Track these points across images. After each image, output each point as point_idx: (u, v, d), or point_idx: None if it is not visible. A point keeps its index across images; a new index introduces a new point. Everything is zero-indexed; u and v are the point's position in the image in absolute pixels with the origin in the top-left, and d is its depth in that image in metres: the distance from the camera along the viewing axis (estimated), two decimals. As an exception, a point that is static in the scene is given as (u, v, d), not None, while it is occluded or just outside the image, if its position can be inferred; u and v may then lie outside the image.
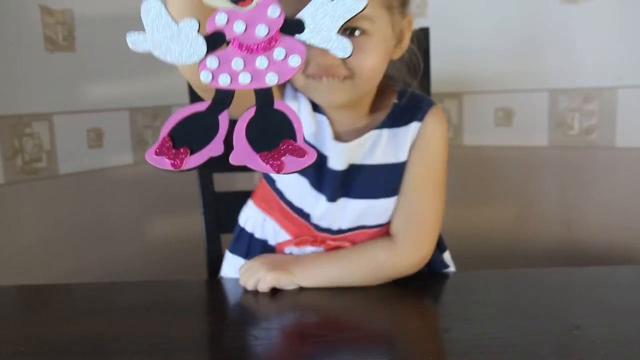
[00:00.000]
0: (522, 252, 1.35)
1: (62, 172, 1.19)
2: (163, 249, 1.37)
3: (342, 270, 0.73)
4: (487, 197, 1.36)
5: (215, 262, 0.90)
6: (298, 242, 0.77)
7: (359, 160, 0.75)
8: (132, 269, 1.31)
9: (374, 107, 0.76)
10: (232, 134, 0.50)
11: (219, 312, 0.72)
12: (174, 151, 0.49)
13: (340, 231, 0.77)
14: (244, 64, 0.48)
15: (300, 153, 0.50)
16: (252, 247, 0.81)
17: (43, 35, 1.14)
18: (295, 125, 0.50)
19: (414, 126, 0.75)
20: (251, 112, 0.50)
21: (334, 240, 0.77)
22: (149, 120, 1.38)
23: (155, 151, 0.49)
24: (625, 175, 1.28)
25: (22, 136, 1.12)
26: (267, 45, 0.48)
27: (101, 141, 1.27)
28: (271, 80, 0.48)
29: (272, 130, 0.50)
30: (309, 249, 0.77)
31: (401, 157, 0.75)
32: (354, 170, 0.74)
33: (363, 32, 0.66)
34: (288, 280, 0.72)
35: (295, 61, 0.48)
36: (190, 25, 0.46)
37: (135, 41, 0.47)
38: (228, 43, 0.48)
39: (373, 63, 0.67)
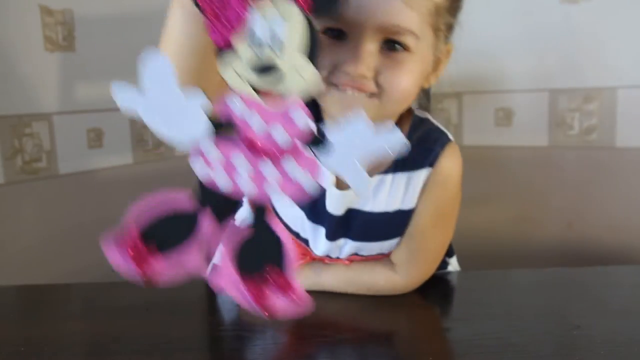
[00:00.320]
0: (522, 252, 1.35)
1: (62, 172, 1.19)
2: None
3: (339, 287, 0.71)
4: (487, 197, 1.36)
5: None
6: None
7: (358, 205, 0.69)
8: (132, 269, 1.31)
9: None
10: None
11: (219, 312, 0.72)
12: (140, 248, 0.42)
13: (338, 257, 0.74)
14: (249, 167, 0.40)
15: (291, 293, 0.41)
16: None
17: (43, 35, 1.14)
18: (288, 256, 0.41)
19: (425, 172, 0.67)
20: (243, 230, 0.42)
21: (332, 260, 0.74)
22: (149, 120, 1.38)
23: (116, 241, 0.41)
24: (625, 175, 1.28)
25: (22, 136, 1.12)
26: (281, 154, 0.40)
27: (101, 141, 1.27)
28: (275, 194, 0.40)
29: (263, 255, 0.42)
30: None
31: (408, 205, 0.69)
32: (353, 214, 0.69)
33: (404, 48, 0.60)
34: None
35: (307, 181, 0.40)
36: (198, 102, 0.39)
37: (124, 97, 0.39)
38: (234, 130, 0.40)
39: (407, 84, 0.61)
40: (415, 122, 0.70)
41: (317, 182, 0.40)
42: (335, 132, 0.40)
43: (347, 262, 0.73)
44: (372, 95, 0.61)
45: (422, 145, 0.68)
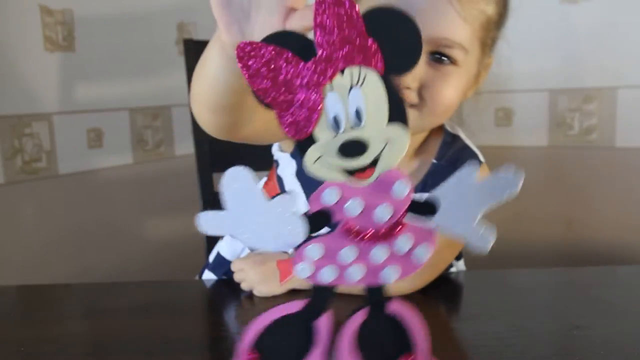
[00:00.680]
0: (522, 252, 1.35)
1: (61, 172, 1.19)
2: (163, 249, 1.37)
3: (343, 288, 0.71)
4: (487, 197, 1.36)
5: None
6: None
7: None
8: (132, 269, 1.31)
9: (416, 154, 0.68)
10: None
11: (219, 312, 0.72)
12: None
13: None
14: (356, 256, 0.36)
15: None
16: None
17: (43, 35, 1.14)
18: (416, 334, 0.39)
19: None
20: (359, 317, 0.38)
21: None
22: (149, 121, 1.38)
23: None
24: (625, 175, 1.28)
25: (22, 136, 1.12)
26: (388, 232, 0.36)
27: (101, 141, 1.27)
28: (390, 276, 0.37)
29: (384, 340, 0.38)
30: None
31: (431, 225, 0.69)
32: None
33: (451, 62, 0.59)
34: (278, 291, 0.67)
35: (423, 254, 0.37)
36: (287, 204, 0.35)
37: (209, 223, 0.36)
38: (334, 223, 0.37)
39: (450, 97, 0.60)
40: (447, 140, 0.68)
41: (430, 249, 0.37)
42: (443, 192, 0.37)
43: None
44: (411, 106, 0.59)
45: (453, 168, 0.67)
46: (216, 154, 1.01)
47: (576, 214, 1.32)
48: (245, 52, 0.33)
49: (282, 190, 0.74)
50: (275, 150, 0.75)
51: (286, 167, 0.73)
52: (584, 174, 1.31)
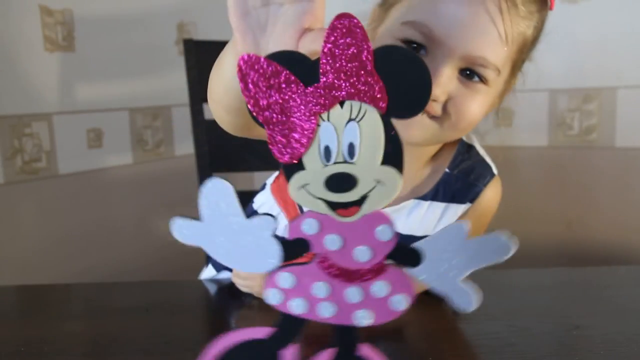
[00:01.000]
0: (522, 252, 1.34)
1: (61, 172, 1.19)
2: (163, 249, 1.37)
3: None
4: (487, 197, 1.36)
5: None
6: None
7: None
8: (132, 269, 1.31)
9: (427, 165, 0.68)
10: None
11: (219, 312, 0.72)
12: None
13: None
14: (329, 292, 0.35)
15: None
16: None
17: (43, 35, 1.14)
18: None
19: (463, 208, 0.66)
20: (326, 356, 0.37)
21: None
22: (149, 121, 1.38)
23: None
24: (625, 175, 1.28)
25: (22, 136, 1.12)
26: (366, 274, 0.35)
27: (101, 141, 1.27)
28: (362, 320, 0.36)
29: None
30: None
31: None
32: None
33: (482, 81, 0.58)
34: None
35: (399, 303, 0.36)
36: (265, 224, 0.34)
37: (182, 231, 0.35)
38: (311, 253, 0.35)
39: (475, 114, 0.60)
40: (461, 151, 0.68)
41: (408, 301, 0.36)
42: (427, 243, 0.35)
43: None
44: (433, 117, 0.59)
45: (466, 179, 0.66)
46: (216, 154, 1.01)
47: (576, 214, 1.32)
48: (246, 65, 0.32)
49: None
50: None
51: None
52: (584, 174, 1.31)
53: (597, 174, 1.30)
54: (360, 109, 0.32)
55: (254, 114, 0.33)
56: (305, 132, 0.32)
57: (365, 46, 0.31)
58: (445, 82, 0.57)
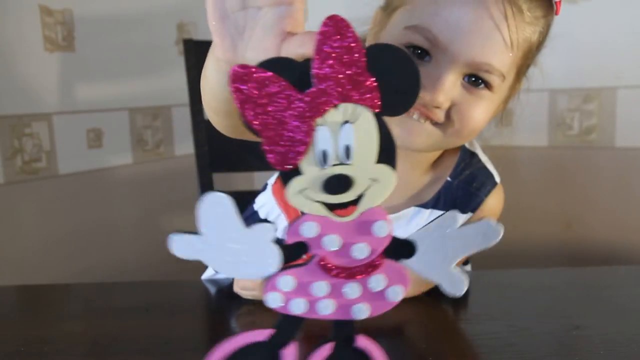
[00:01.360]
0: (522, 252, 1.35)
1: (61, 172, 1.19)
2: (163, 249, 1.36)
3: None
4: (487, 197, 1.36)
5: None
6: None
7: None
8: (132, 269, 1.31)
9: (428, 172, 0.68)
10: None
11: (219, 312, 0.72)
12: None
13: None
14: (329, 291, 0.36)
15: None
16: None
17: (42, 35, 1.14)
18: None
19: (465, 217, 0.65)
20: (325, 350, 0.38)
21: None
22: (149, 121, 1.38)
23: None
24: (625, 175, 1.28)
25: (22, 136, 1.12)
26: (363, 270, 0.36)
27: (101, 141, 1.27)
28: (360, 313, 0.37)
29: None
30: None
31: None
32: None
33: (487, 87, 0.58)
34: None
35: (395, 295, 0.37)
36: (265, 233, 0.34)
37: (181, 245, 0.35)
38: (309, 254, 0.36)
39: (479, 121, 0.59)
40: (463, 158, 0.67)
41: (403, 292, 0.37)
42: (422, 234, 0.37)
43: None
44: (436, 124, 0.58)
45: (468, 188, 0.66)
46: (216, 154, 1.01)
47: (576, 214, 1.32)
48: (238, 76, 0.31)
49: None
50: None
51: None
52: (584, 174, 1.31)
53: (597, 174, 1.30)
54: (355, 110, 0.32)
55: (248, 124, 0.32)
56: (302, 139, 0.32)
57: (357, 47, 0.31)
58: (448, 88, 0.56)
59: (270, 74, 0.31)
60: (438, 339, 0.61)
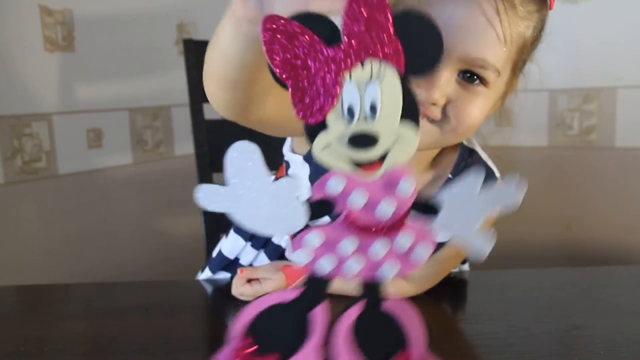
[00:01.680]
0: (522, 252, 1.35)
1: (61, 172, 1.19)
2: (163, 249, 1.37)
3: (349, 291, 0.71)
4: (486, 197, 1.36)
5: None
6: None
7: None
8: (132, 269, 1.31)
9: (431, 166, 0.68)
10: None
11: (219, 312, 0.72)
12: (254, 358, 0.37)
13: None
14: (356, 248, 0.36)
15: None
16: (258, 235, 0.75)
17: (42, 35, 1.14)
18: (412, 330, 0.39)
19: None
20: (354, 311, 0.38)
21: None
22: (149, 121, 1.38)
23: (231, 357, 0.37)
24: (625, 176, 1.28)
25: (22, 136, 1.12)
26: (390, 228, 0.36)
27: (100, 141, 1.27)
28: (388, 272, 0.37)
29: (380, 336, 0.38)
30: None
31: (443, 239, 0.69)
32: None
33: (482, 82, 0.58)
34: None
35: (422, 254, 0.37)
36: (292, 187, 0.35)
37: (207, 196, 0.34)
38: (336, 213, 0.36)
39: (475, 117, 0.59)
40: (463, 155, 0.68)
41: (430, 250, 0.38)
42: (446, 196, 0.37)
43: None
44: (433, 121, 0.58)
45: None
46: (216, 154, 1.01)
47: (576, 214, 1.32)
48: (269, 26, 0.32)
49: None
50: (286, 150, 0.74)
51: (298, 170, 0.73)
52: (584, 174, 1.31)
53: (597, 174, 1.30)
54: (381, 68, 0.33)
55: (278, 74, 0.33)
56: (329, 92, 0.33)
57: (386, 9, 0.32)
58: (443, 84, 0.56)
59: (301, 25, 0.32)
60: (438, 339, 0.61)
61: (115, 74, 1.28)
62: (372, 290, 0.38)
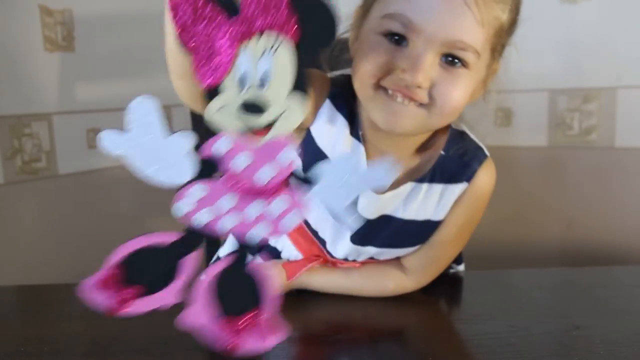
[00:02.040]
0: (522, 252, 1.35)
1: (61, 172, 1.19)
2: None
3: (349, 288, 0.72)
4: (486, 197, 1.36)
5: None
6: (308, 269, 0.73)
7: (390, 211, 0.69)
8: (131, 269, 1.31)
9: (420, 150, 0.70)
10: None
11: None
12: (118, 288, 0.41)
13: (354, 260, 0.74)
14: (233, 206, 0.40)
15: (264, 331, 0.42)
16: None
17: (42, 35, 1.14)
18: (267, 294, 0.42)
19: (461, 187, 0.68)
20: (221, 265, 0.42)
21: (344, 263, 0.74)
22: (149, 120, 1.38)
23: (98, 283, 0.41)
24: (625, 175, 1.28)
25: (22, 136, 1.12)
26: (266, 192, 0.40)
27: (101, 141, 1.27)
28: (259, 234, 0.40)
29: (238, 293, 0.42)
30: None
31: (439, 216, 0.69)
32: (383, 220, 0.69)
33: (463, 65, 0.60)
34: (296, 283, 0.70)
35: (292, 221, 0.40)
36: (183, 142, 0.39)
37: (110, 142, 0.38)
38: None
39: (458, 99, 0.61)
40: (454, 135, 0.70)
41: (299, 219, 0.40)
42: (322, 169, 0.40)
43: (358, 264, 0.73)
44: (420, 105, 0.60)
45: (461, 159, 0.69)
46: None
47: (576, 214, 1.32)
48: (176, 1, 0.36)
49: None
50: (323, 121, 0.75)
51: None
52: (584, 174, 1.31)
53: (597, 174, 1.30)
54: (276, 41, 0.36)
55: (182, 42, 0.37)
56: (227, 59, 0.36)
57: None
58: (427, 67, 0.59)
59: (204, 0, 0.36)
60: (438, 339, 0.61)
61: (115, 74, 1.28)
62: (242, 248, 0.41)
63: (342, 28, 0.67)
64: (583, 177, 1.31)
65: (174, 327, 0.62)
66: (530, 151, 1.33)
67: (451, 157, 0.68)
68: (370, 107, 0.62)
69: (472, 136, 0.72)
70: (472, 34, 0.59)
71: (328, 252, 0.73)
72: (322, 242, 0.73)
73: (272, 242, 0.77)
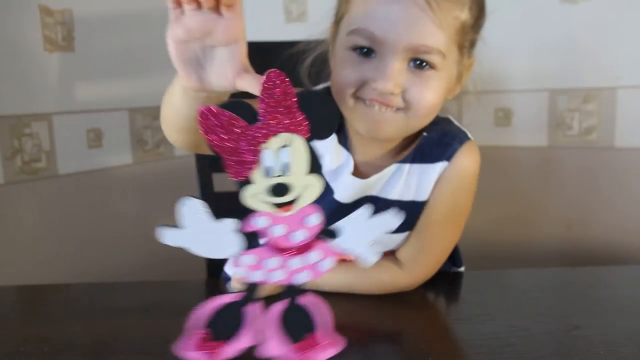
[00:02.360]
0: (522, 252, 1.35)
1: (61, 172, 1.19)
2: (163, 249, 1.36)
3: (345, 285, 0.71)
4: (486, 198, 1.36)
5: (215, 263, 0.90)
6: None
7: (374, 192, 0.71)
8: (132, 269, 1.31)
9: (404, 140, 0.72)
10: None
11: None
12: (209, 345, 0.51)
13: None
14: (279, 264, 0.51)
15: (325, 346, 0.53)
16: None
17: (42, 35, 1.14)
18: (321, 318, 0.53)
19: (441, 166, 0.70)
20: (279, 306, 0.52)
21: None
22: (149, 121, 1.38)
23: (195, 347, 0.51)
24: (625, 175, 1.28)
25: (22, 136, 1.12)
26: (303, 248, 0.50)
27: (100, 141, 1.27)
28: (303, 278, 0.52)
29: (299, 324, 0.52)
30: None
31: (422, 196, 0.71)
32: (369, 200, 0.70)
33: (431, 67, 0.63)
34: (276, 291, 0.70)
35: (328, 264, 0.52)
36: (231, 225, 0.48)
37: (169, 236, 0.48)
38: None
39: (432, 99, 0.64)
40: (436, 119, 0.71)
41: (334, 261, 0.52)
42: (343, 225, 0.51)
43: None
44: (398, 109, 0.64)
45: (441, 140, 0.71)
46: (215, 155, 1.01)
47: (576, 215, 1.32)
48: (205, 113, 0.45)
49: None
50: None
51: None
52: (584, 174, 1.31)
53: (597, 174, 1.30)
54: (290, 137, 0.46)
55: (213, 147, 0.46)
56: (252, 159, 0.46)
57: (291, 93, 0.45)
58: (396, 76, 0.62)
59: (228, 113, 0.45)
60: (438, 339, 0.61)
61: (115, 74, 1.28)
62: (291, 290, 0.52)
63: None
64: (583, 177, 1.31)
65: (174, 328, 0.62)
66: (530, 151, 1.33)
67: (432, 138, 0.71)
68: (352, 118, 0.66)
69: (455, 122, 0.75)
70: (433, 36, 0.61)
71: None
72: None
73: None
